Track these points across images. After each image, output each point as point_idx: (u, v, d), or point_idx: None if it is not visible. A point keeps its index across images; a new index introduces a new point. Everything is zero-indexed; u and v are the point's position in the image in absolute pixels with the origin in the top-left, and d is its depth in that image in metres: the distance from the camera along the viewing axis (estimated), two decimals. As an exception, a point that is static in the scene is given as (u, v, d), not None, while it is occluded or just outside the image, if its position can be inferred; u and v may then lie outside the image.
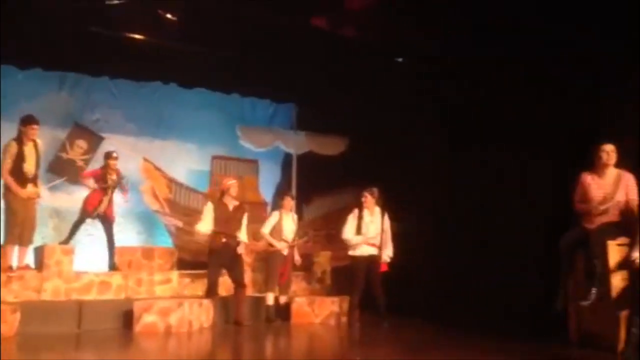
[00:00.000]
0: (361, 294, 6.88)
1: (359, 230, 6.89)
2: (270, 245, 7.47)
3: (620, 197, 5.19)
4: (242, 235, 6.96)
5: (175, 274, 7.59)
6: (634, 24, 5.63)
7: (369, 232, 6.89)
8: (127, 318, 6.51)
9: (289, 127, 10.60)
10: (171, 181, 9.08)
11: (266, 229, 7.49)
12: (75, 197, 8.36)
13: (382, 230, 6.94)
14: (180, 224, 8.56)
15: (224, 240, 6.81)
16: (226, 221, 6.87)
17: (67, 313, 6.46)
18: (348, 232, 6.94)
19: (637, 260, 4.86)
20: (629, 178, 5.22)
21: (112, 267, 7.50)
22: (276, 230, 7.47)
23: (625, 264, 4.97)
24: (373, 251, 6.90)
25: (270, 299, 7.32)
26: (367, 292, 6.89)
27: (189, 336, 6.18)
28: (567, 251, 5.23)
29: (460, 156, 7.96)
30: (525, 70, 7.02)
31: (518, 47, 6.97)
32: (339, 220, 7.47)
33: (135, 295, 7.07)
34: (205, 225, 6.87)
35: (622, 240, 5.10)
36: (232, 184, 7.10)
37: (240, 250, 6.91)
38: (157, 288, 7.34)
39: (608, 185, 5.24)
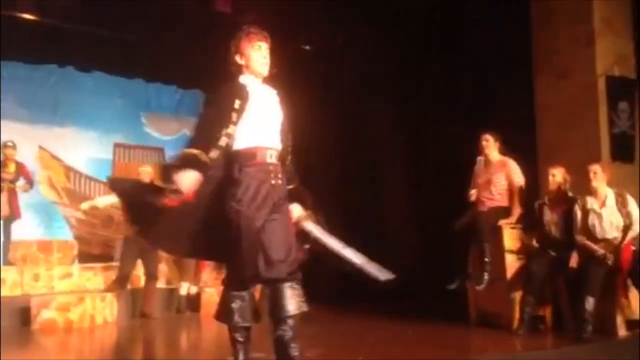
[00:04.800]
0: None
1: None
2: None
3: (500, 181, 5.46)
4: None
5: (76, 268, 7.25)
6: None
7: None
8: (24, 315, 6.16)
9: (196, 114, 10.35)
10: (70, 170, 8.68)
11: None
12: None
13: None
14: (80, 215, 8.19)
15: None
16: None
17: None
18: None
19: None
20: (509, 163, 5.52)
21: (6, 262, 7.07)
22: None
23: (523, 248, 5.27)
24: None
25: (184, 289, 7.16)
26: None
27: (91, 332, 5.95)
28: (460, 234, 5.45)
29: (360, 143, 8.20)
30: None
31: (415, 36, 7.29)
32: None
33: (33, 291, 6.71)
34: (104, 199, 6.59)
35: (510, 221, 5.38)
36: (143, 170, 6.90)
37: None
38: (56, 283, 6.98)
39: (490, 172, 5.53)
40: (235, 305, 3.14)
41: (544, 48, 6.39)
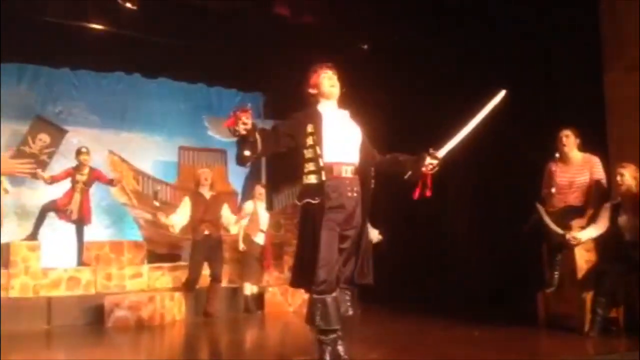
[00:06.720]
0: None
1: None
2: (248, 236, 7.42)
3: (584, 180, 5.30)
4: (231, 227, 6.99)
5: (145, 268, 7.52)
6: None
7: None
8: (98, 313, 6.47)
9: (257, 116, 10.52)
10: (138, 173, 8.99)
11: (244, 220, 7.44)
12: (39, 192, 8.19)
13: None
14: (149, 216, 8.47)
15: (206, 232, 6.77)
16: (205, 211, 6.82)
17: (35, 310, 6.40)
18: None
19: (573, 242, 4.95)
20: (594, 160, 5.32)
21: (81, 262, 7.39)
22: (253, 221, 7.43)
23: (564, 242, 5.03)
24: None
25: (247, 289, 7.30)
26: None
27: (161, 330, 6.16)
28: (531, 236, 5.31)
29: (424, 142, 8.11)
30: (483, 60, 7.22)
31: (478, 35, 7.16)
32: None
33: (106, 290, 7.01)
34: (178, 217, 6.76)
35: (583, 221, 5.20)
36: (202, 172, 7.09)
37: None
38: (127, 282, 7.26)
39: (573, 170, 5.35)
40: (316, 309, 3.36)
41: (613, 40, 6.13)
